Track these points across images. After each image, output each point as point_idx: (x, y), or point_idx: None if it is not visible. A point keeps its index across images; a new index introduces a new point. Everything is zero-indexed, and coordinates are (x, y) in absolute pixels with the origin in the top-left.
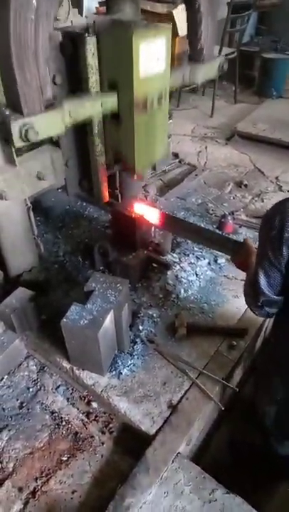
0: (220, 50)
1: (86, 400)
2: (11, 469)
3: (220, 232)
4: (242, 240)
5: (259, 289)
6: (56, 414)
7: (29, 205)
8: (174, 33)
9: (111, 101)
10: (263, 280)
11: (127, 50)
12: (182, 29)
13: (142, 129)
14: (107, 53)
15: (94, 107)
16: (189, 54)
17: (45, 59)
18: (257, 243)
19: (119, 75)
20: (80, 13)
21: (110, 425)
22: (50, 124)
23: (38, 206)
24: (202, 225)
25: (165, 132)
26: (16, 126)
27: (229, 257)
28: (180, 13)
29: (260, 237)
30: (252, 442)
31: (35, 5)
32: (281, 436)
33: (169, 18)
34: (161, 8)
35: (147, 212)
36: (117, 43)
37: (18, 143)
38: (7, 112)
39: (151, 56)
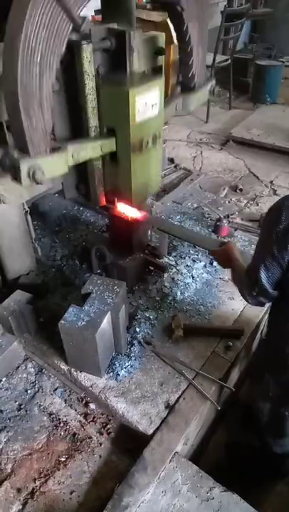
0: (214, 58)
1: (84, 402)
2: (9, 470)
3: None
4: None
5: (260, 282)
6: (54, 416)
7: (27, 209)
8: (169, 40)
9: (109, 144)
10: (264, 274)
11: (123, 104)
12: None
13: (137, 168)
14: (105, 104)
15: (94, 149)
16: (181, 81)
17: (49, 106)
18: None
19: (116, 123)
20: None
21: (108, 426)
22: (55, 165)
23: (35, 210)
24: (198, 229)
25: (158, 168)
26: (24, 167)
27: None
28: None
29: (264, 232)
30: (248, 443)
31: (38, 60)
32: (276, 433)
33: (164, 26)
34: (156, 17)
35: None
36: (114, 97)
37: (26, 182)
38: (15, 154)
39: (146, 105)
